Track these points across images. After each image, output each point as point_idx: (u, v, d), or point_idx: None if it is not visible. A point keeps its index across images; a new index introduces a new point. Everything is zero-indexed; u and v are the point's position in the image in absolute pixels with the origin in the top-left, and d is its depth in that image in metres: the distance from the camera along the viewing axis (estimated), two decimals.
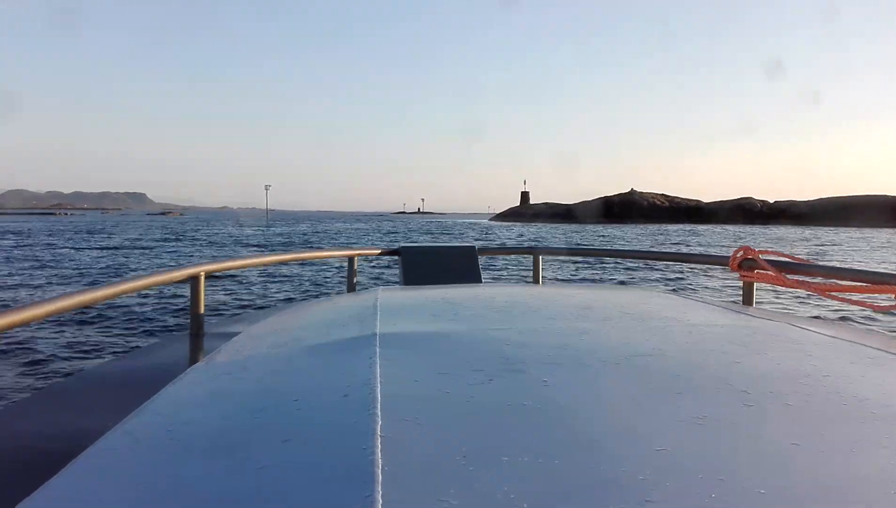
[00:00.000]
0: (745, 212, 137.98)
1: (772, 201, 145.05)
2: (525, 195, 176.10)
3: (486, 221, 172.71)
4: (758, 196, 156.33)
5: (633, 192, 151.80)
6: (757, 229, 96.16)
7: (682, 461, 0.75)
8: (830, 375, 1.09)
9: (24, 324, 1.90)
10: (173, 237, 52.56)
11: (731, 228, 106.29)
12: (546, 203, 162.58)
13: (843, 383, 1.05)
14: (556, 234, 74.59)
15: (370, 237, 58.16)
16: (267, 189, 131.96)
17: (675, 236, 72.78)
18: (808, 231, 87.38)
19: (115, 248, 37.63)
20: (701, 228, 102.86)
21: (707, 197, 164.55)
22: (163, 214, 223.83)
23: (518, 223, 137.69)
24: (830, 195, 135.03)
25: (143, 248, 38.41)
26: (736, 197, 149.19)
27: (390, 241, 46.25)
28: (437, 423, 0.87)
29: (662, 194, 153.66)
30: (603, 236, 69.26)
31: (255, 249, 39.65)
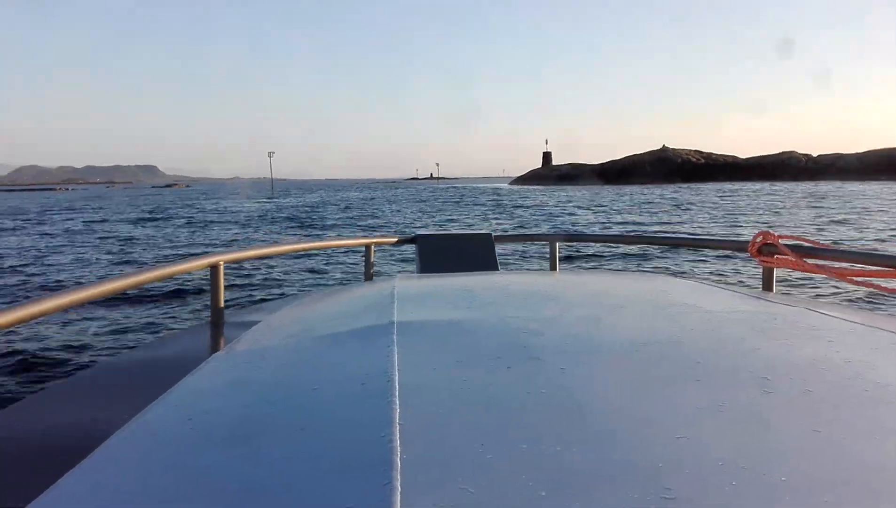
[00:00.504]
0: (788, 168, 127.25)
1: (815, 155, 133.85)
2: (547, 156, 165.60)
3: (505, 185, 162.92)
4: (801, 150, 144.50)
5: (665, 149, 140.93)
6: (805, 186, 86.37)
7: (702, 448, 0.74)
8: (851, 361, 1.08)
9: (45, 315, 1.92)
10: (149, 217, 44.53)
11: (779, 184, 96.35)
12: (571, 164, 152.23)
13: (864, 369, 1.04)
14: (594, 199, 65.38)
15: (391, 215, 46.22)
16: (271, 156, 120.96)
17: (727, 196, 63.09)
18: (863, 186, 78.29)
19: (66, 233, 30.36)
20: (749, 186, 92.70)
21: (743, 153, 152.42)
22: (168, 186, 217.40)
23: (540, 186, 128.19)
24: (882, 147, 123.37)
25: (91, 232, 30.91)
26: (776, 152, 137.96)
27: (412, 219, 40.96)
28: (455, 412, 0.87)
29: (696, 151, 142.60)
30: (647, 201, 59.84)
31: (244, 228, 32.90)
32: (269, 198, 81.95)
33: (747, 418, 0.83)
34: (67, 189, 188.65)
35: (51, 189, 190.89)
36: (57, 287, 13.72)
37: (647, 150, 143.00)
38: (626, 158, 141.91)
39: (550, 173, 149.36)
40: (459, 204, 59.20)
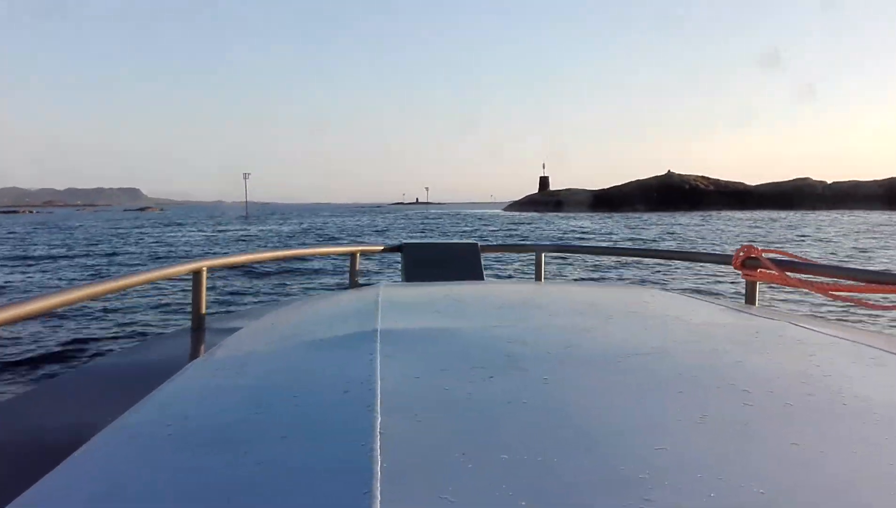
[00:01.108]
0: (805, 196, 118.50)
1: (830, 183, 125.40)
2: (544, 181, 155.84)
3: (499, 211, 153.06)
4: (815, 176, 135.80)
5: (671, 174, 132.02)
6: (831, 215, 77.61)
7: (682, 460, 0.75)
8: (832, 375, 1.09)
9: (27, 318, 1.92)
10: (60, 254, 32.20)
11: (802, 214, 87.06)
12: (569, 189, 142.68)
13: (845, 383, 1.05)
14: (612, 228, 55.58)
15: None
16: (246, 179, 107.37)
17: (760, 226, 54.13)
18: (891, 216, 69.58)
19: None
20: (770, 215, 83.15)
21: (750, 179, 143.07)
22: (141, 209, 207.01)
23: (536, 213, 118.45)
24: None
25: None
26: (790, 178, 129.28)
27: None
28: (436, 420, 0.87)
29: (703, 177, 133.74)
30: (670, 230, 50.76)
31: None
32: (242, 224, 73.66)
33: (728, 430, 0.84)
34: (31, 212, 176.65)
35: (13, 211, 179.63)
36: None
37: (650, 175, 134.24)
38: (628, 183, 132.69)
39: (548, 199, 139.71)
40: (470, 233, 49.94)
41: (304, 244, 26.03)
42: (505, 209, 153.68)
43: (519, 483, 0.69)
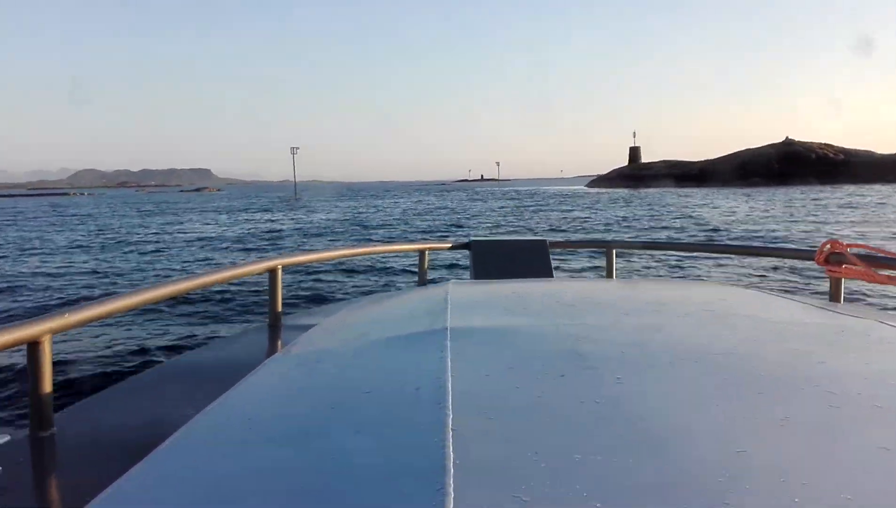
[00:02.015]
0: None
1: None
2: (635, 152, 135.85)
3: (581, 187, 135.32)
4: None
5: (790, 142, 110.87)
6: None
7: (763, 463, 0.72)
8: None
9: (110, 316, 2.05)
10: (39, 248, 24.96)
11: None
12: (667, 161, 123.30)
13: None
14: (776, 210, 39.50)
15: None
16: (294, 153, 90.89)
17: None
18: None
19: None
20: None
21: (882, 147, 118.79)
22: (197, 190, 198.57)
23: (626, 189, 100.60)
24: None
25: None
26: None
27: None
28: (508, 418, 0.86)
29: (827, 144, 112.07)
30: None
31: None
32: (287, 208, 60.37)
33: (812, 433, 0.81)
34: (83, 194, 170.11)
35: (63, 193, 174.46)
36: None
37: (748, 145, 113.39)
38: (737, 153, 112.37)
39: (640, 173, 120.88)
40: (603, 228, 33.13)
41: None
42: (589, 185, 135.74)
43: (592, 484, 0.67)
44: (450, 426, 0.80)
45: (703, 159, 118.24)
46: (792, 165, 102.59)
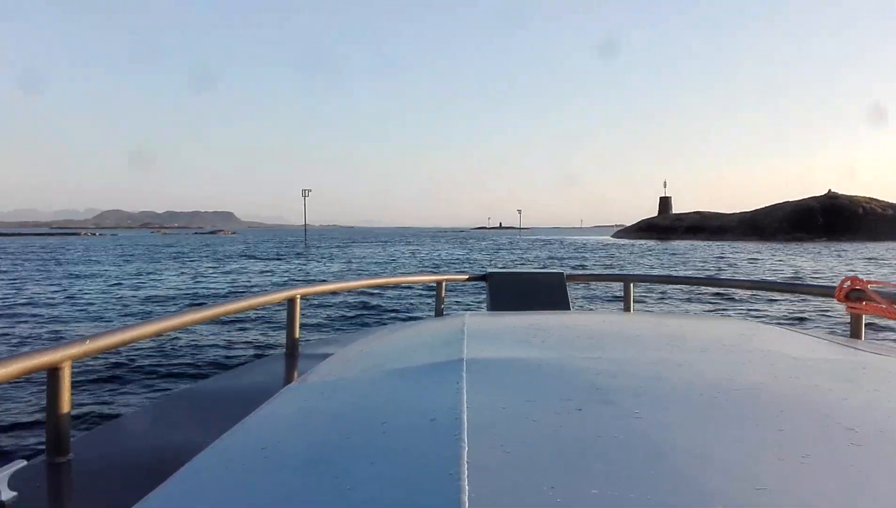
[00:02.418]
0: None
1: None
2: (666, 203, 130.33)
3: (607, 237, 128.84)
4: None
5: (834, 195, 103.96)
6: None
7: (783, 500, 0.72)
8: None
9: (132, 342, 2.09)
10: None
11: None
12: (700, 212, 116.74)
13: None
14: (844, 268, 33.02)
15: None
16: (305, 196, 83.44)
17: None
18: None
19: None
20: None
21: None
22: (212, 232, 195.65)
23: (655, 241, 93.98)
24: None
25: None
26: None
27: None
28: (524, 452, 0.85)
29: (870, 198, 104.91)
30: None
31: None
32: (294, 255, 55.78)
33: (832, 470, 0.80)
34: (94, 234, 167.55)
35: (75, 233, 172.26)
36: None
37: (779, 198, 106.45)
38: (777, 205, 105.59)
39: (672, 224, 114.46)
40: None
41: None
42: (615, 236, 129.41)
43: None
44: (465, 458, 0.80)
45: (735, 212, 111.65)
46: (838, 218, 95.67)
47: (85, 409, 6.97)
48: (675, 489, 0.74)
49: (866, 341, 2.79)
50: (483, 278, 4.73)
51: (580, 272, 6.30)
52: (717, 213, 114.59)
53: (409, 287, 18.35)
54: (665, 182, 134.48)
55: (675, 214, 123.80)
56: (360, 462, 0.85)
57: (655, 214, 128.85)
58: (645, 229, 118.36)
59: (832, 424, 0.95)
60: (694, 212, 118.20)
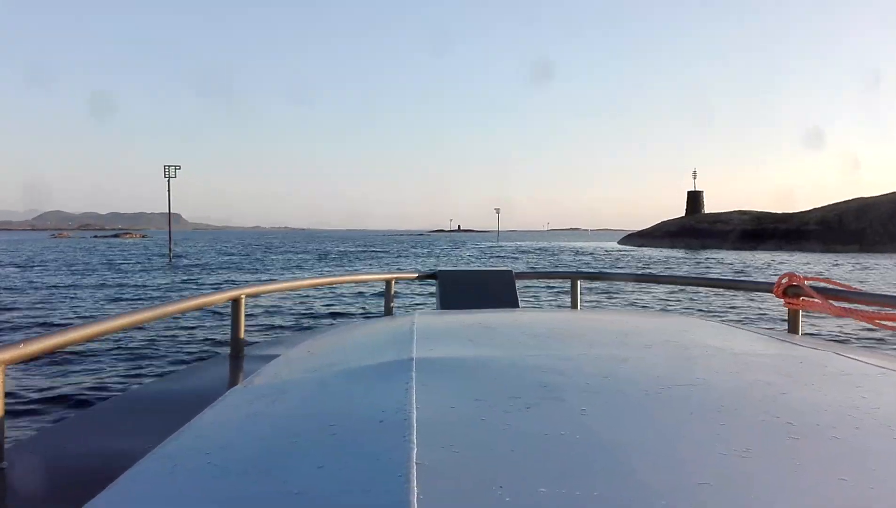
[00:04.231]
0: None
1: None
2: (695, 199, 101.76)
3: (612, 244, 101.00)
4: None
5: None
6: None
7: (725, 495, 0.73)
8: (880, 407, 1.06)
9: (68, 345, 2.00)
10: None
11: None
12: (743, 211, 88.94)
13: (893, 415, 1.02)
14: None
15: None
16: (168, 176, 52.24)
17: None
18: None
19: None
20: None
21: None
22: (115, 235, 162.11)
23: (682, 252, 67.08)
24: None
25: None
26: None
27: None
28: (473, 451, 0.86)
29: None
30: None
31: None
32: (165, 262, 44.97)
33: (772, 464, 0.82)
34: None
35: None
36: None
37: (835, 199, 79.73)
38: (849, 202, 78.56)
39: (710, 226, 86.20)
40: None
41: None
42: (622, 242, 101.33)
43: None
44: (414, 459, 0.80)
45: (783, 212, 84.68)
46: None
47: (20, 416, 6.68)
48: (620, 485, 0.76)
49: (803, 335, 2.90)
50: (433, 275, 4.77)
51: (528, 271, 6.96)
52: (768, 212, 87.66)
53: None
54: (695, 172, 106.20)
55: (709, 213, 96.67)
56: (307, 466, 0.84)
57: (666, 217, 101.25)
58: (672, 235, 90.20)
59: (771, 419, 0.97)
60: (736, 211, 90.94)
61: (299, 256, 64.99)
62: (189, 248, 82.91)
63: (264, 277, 36.92)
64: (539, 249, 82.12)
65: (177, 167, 53.01)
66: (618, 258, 58.39)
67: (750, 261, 51.72)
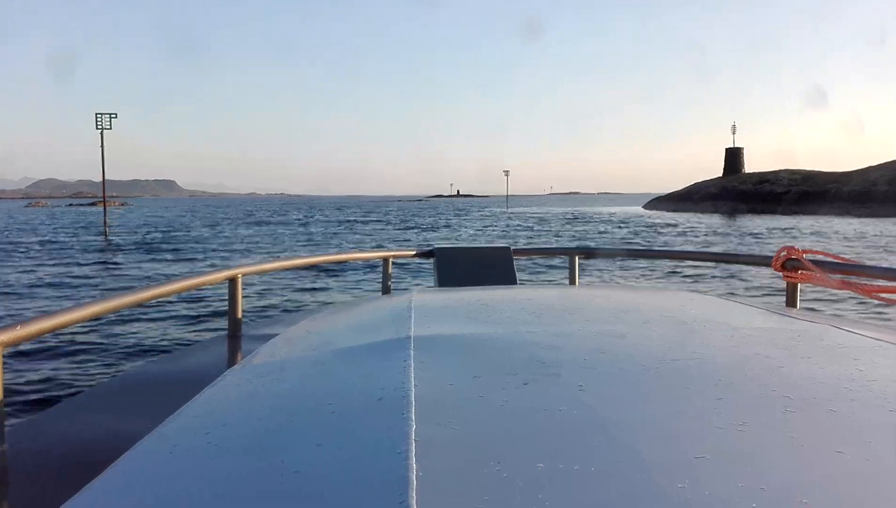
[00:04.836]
0: None
1: None
2: (735, 157, 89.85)
3: (637, 208, 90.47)
4: None
5: None
6: None
7: (722, 469, 0.74)
8: (877, 380, 1.06)
9: (66, 327, 2.02)
10: None
11: None
12: (792, 170, 77.84)
13: (891, 388, 1.03)
14: None
15: None
16: (101, 128, 45.24)
17: None
18: None
19: None
20: None
21: None
22: (92, 204, 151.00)
23: (723, 215, 57.52)
24: None
25: None
26: None
27: None
28: (471, 428, 0.87)
29: None
30: None
31: None
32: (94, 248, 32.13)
33: (770, 437, 0.83)
34: None
35: None
36: None
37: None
38: None
39: (753, 188, 75.34)
40: None
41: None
42: (647, 206, 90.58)
43: (555, 493, 0.68)
44: (413, 436, 0.80)
45: (833, 171, 73.70)
46: None
47: (20, 397, 6.71)
48: (617, 460, 0.77)
49: (801, 309, 2.91)
50: (430, 253, 4.77)
51: (526, 247, 6.97)
52: (821, 171, 76.30)
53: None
54: (734, 126, 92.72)
55: (752, 173, 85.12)
56: (306, 444, 0.85)
57: (695, 181, 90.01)
58: (714, 197, 78.99)
59: (768, 392, 0.98)
60: (785, 169, 79.16)
61: (298, 221, 56.59)
62: (154, 218, 73.19)
63: (201, 266, 26.52)
64: (571, 217, 71.17)
65: (112, 115, 42.65)
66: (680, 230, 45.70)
67: (862, 230, 41.02)
